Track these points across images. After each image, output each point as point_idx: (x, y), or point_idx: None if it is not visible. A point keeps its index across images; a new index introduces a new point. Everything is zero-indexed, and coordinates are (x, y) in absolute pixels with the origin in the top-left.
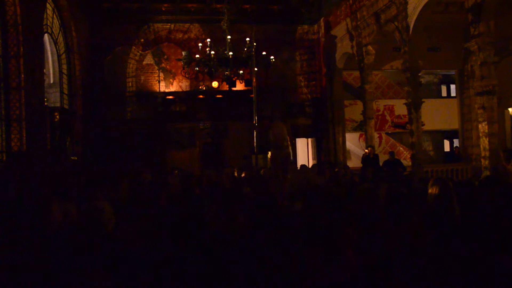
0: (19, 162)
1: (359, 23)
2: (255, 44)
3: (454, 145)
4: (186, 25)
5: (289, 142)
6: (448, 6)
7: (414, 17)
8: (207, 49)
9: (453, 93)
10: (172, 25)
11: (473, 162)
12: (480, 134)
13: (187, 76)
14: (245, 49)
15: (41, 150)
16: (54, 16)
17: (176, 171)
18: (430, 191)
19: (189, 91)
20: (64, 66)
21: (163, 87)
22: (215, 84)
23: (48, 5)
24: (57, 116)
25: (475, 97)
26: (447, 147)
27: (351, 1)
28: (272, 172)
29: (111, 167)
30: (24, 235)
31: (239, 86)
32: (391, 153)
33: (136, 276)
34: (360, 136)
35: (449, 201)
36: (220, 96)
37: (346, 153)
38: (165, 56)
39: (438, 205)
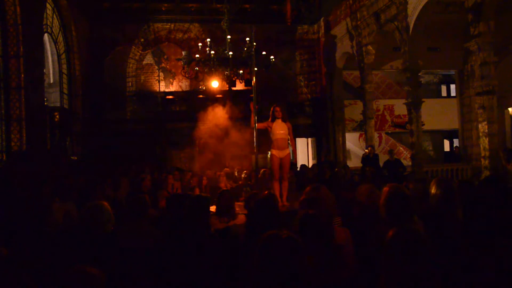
0: (19, 162)
1: (359, 23)
2: (255, 44)
3: (454, 145)
4: (186, 25)
5: (289, 142)
6: (448, 6)
7: (414, 17)
8: (207, 49)
9: (453, 93)
10: (172, 25)
11: (473, 162)
12: (480, 134)
13: (187, 76)
14: (245, 49)
15: (41, 150)
16: (54, 15)
17: (176, 172)
18: (432, 191)
19: (189, 91)
20: (64, 66)
21: (163, 87)
22: (215, 84)
23: (48, 5)
24: (57, 116)
25: (475, 97)
26: (447, 147)
27: (351, 1)
28: (272, 172)
29: (111, 167)
30: (24, 235)
31: (239, 86)
32: (390, 151)
33: (135, 275)
34: (360, 136)
35: (452, 202)
36: (220, 96)
37: (346, 153)
38: (165, 56)
39: (441, 206)
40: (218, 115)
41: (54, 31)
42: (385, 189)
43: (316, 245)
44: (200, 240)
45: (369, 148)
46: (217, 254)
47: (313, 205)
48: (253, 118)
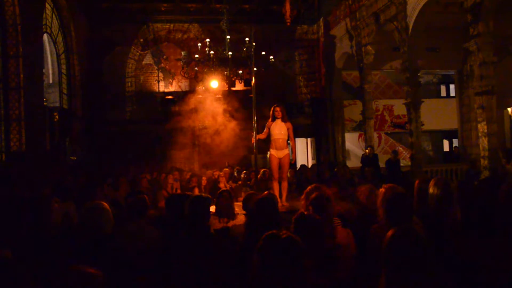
0: (18, 162)
1: (358, 23)
2: (254, 44)
3: (454, 145)
4: (186, 25)
5: (288, 142)
6: (447, 6)
7: (414, 17)
8: (206, 49)
9: (452, 93)
10: (172, 25)
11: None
12: (479, 134)
13: (186, 76)
14: (244, 49)
15: (40, 150)
16: (54, 16)
17: (175, 172)
18: (431, 191)
19: (188, 91)
20: (64, 66)
21: (162, 87)
22: (214, 84)
23: (47, 5)
24: (56, 116)
25: (474, 97)
26: (446, 147)
27: (350, 1)
28: (271, 172)
29: (111, 167)
30: (24, 235)
31: (239, 86)
32: (394, 152)
33: (135, 276)
34: (360, 136)
35: (450, 202)
36: (220, 96)
37: (345, 153)
38: (165, 56)
39: (439, 206)
40: (217, 115)
41: (53, 31)
42: (381, 190)
43: (311, 246)
44: (199, 241)
45: (369, 148)
46: (216, 254)
47: (315, 205)
48: (257, 136)
